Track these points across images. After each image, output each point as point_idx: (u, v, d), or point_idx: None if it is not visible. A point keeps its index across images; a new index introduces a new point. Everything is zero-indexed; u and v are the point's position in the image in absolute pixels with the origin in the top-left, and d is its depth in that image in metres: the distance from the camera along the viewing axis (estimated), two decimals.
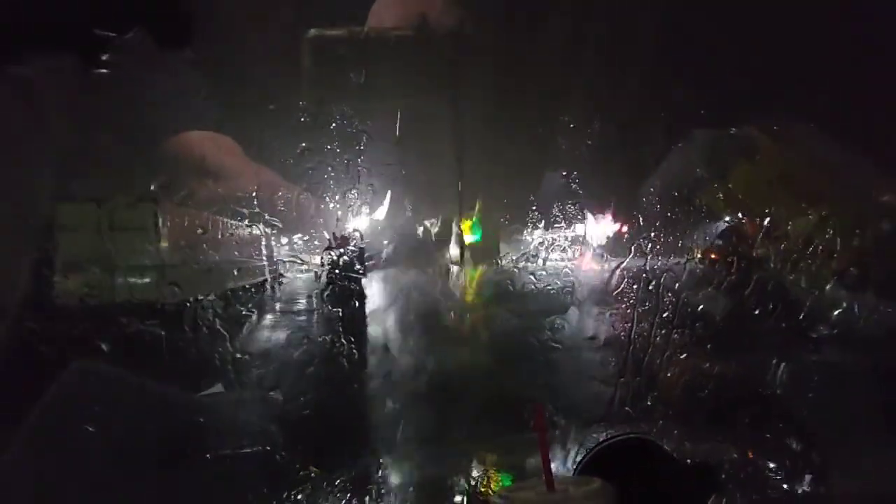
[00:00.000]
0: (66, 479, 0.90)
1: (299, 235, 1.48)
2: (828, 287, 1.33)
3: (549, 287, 1.47)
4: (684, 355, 1.32)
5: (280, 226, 1.29)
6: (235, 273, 1.53)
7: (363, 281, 1.43)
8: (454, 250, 1.64)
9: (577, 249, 1.55)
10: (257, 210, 1.24)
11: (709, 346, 1.34)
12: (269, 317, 1.47)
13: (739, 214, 1.48)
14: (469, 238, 1.66)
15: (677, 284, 1.34)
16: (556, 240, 1.54)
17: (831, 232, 1.33)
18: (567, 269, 1.52)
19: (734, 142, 1.51)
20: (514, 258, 1.59)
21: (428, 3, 1.36)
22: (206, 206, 1.24)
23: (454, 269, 1.63)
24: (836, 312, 1.35)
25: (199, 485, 0.99)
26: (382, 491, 1.18)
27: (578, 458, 0.78)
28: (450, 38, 1.37)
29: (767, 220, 1.41)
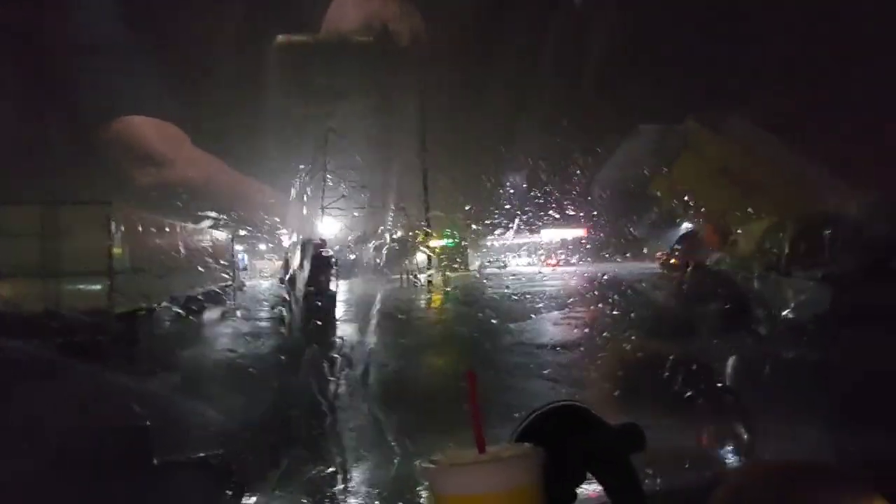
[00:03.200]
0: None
1: (265, 241, 1.44)
2: (764, 276, 1.41)
3: (516, 292, 1.47)
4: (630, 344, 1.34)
5: (234, 222, 1.26)
6: (194, 278, 1.47)
7: (329, 288, 1.40)
8: (421, 256, 1.63)
9: (544, 254, 1.56)
10: (208, 204, 1.20)
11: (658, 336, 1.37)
12: (229, 324, 1.42)
13: (686, 207, 1.54)
14: (436, 244, 1.66)
15: (637, 285, 1.37)
16: (522, 245, 1.55)
17: (774, 229, 1.41)
18: (533, 273, 1.53)
19: (677, 136, 1.59)
20: (482, 263, 1.59)
21: (384, 9, 1.36)
22: (148, 194, 1.18)
23: (422, 275, 1.62)
24: (774, 300, 1.42)
25: (156, 491, 0.93)
26: (340, 498, 1.13)
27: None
28: (408, 43, 1.39)
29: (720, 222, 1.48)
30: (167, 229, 1.44)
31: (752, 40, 1.35)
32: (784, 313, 1.42)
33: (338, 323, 1.30)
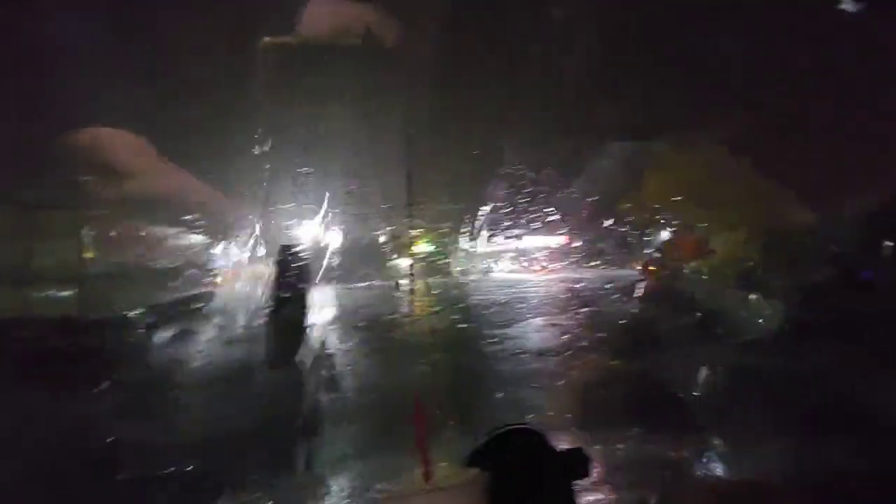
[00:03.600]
0: None
1: (239, 247, 1.41)
2: (731, 290, 1.42)
3: (496, 299, 1.45)
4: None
5: (204, 231, 1.23)
6: (166, 285, 1.44)
7: (306, 294, 1.38)
8: (403, 263, 1.60)
9: (526, 261, 1.54)
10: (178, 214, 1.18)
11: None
12: (201, 332, 1.39)
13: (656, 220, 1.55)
14: (420, 249, 1.64)
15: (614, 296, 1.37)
16: (503, 252, 1.53)
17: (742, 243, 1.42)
18: (517, 280, 1.51)
19: (646, 153, 1.60)
20: (463, 270, 1.57)
21: (360, 15, 1.35)
22: (111, 206, 1.16)
23: (403, 282, 1.60)
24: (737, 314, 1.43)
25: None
26: None
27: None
28: (386, 49, 1.37)
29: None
30: (142, 235, 1.42)
31: (717, 61, 1.37)
32: (753, 324, 1.42)
33: (311, 331, 1.28)
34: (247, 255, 1.36)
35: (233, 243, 1.31)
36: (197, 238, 1.31)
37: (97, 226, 1.24)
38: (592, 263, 1.52)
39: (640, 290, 1.47)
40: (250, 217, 1.29)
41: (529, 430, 0.43)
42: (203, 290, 1.36)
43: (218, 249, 1.31)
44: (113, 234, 1.27)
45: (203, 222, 1.25)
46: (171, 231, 1.29)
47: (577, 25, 1.39)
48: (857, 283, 1.46)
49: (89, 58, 1.04)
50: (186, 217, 1.22)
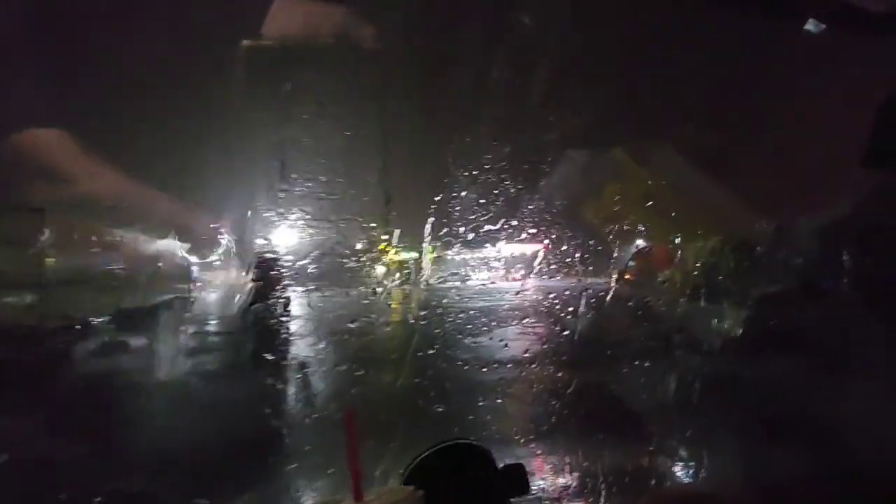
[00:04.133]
0: None
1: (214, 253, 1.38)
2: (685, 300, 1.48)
3: (472, 307, 1.46)
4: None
5: (170, 237, 1.19)
6: (138, 291, 1.39)
7: (279, 302, 1.35)
8: (380, 269, 1.59)
9: (503, 269, 1.55)
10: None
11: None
12: (172, 340, 1.35)
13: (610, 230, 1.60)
14: (395, 257, 1.62)
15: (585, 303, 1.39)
16: (482, 259, 1.54)
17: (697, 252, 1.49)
18: (493, 288, 1.52)
19: (606, 163, 1.65)
20: (439, 277, 1.56)
21: (325, 16, 1.33)
22: (47, 210, 1.11)
23: (379, 289, 1.58)
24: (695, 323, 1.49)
25: None
26: None
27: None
28: (353, 51, 1.36)
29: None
30: (107, 238, 1.36)
31: (676, 76, 1.43)
32: (716, 334, 1.48)
33: (282, 339, 1.25)
34: (218, 261, 1.32)
35: (202, 250, 1.27)
36: (164, 244, 1.27)
37: (54, 230, 1.18)
38: (563, 272, 1.55)
39: (609, 300, 1.50)
40: (220, 223, 1.26)
41: (471, 445, 0.43)
42: (170, 297, 1.32)
43: (187, 256, 1.27)
44: (68, 238, 1.22)
45: (169, 228, 1.21)
46: (134, 236, 1.25)
47: (544, 35, 1.42)
48: (815, 293, 1.53)
49: (24, 56, 0.99)
50: (149, 222, 1.17)
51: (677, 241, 1.60)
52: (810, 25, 1.54)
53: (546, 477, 1.27)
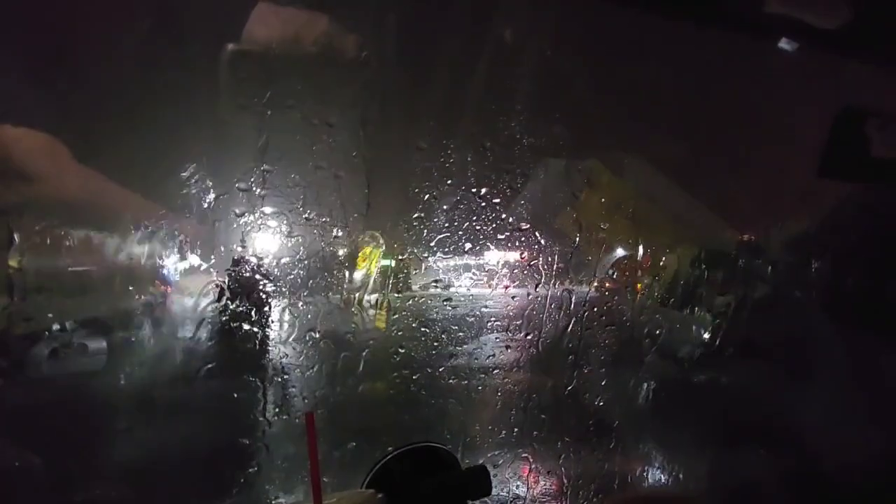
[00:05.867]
0: None
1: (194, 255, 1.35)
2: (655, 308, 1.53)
3: (457, 315, 1.46)
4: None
5: (144, 240, 1.17)
6: (111, 296, 1.36)
7: (257, 311, 1.33)
8: (358, 276, 1.58)
9: (486, 276, 1.56)
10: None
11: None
12: (140, 347, 1.31)
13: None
14: (378, 263, 1.62)
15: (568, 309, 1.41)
16: (466, 266, 1.54)
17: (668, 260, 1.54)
18: (477, 295, 1.52)
19: (580, 173, 1.69)
20: (424, 284, 1.56)
21: (305, 23, 1.33)
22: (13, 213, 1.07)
23: (360, 296, 1.57)
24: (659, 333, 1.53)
25: None
26: None
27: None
28: (331, 59, 1.36)
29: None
30: (79, 241, 1.32)
31: (649, 89, 1.48)
32: (688, 342, 1.52)
33: (262, 345, 1.24)
34: (195, 265, 1.30)
35: (180, 253, 1.25)
36: (139, 248, 1.24)
37: (36, 230, 1.15)
38: (540, 281, 1.57)
39: (588, 307, 1.52)
40: (197, 227, 1.24)
41: (433, 447, 0.43)
42: (145, 301, 1.29)
43: (163, 259, 1.24)
44: (56, 240, 1.18)
45: (144, 231, 1.18)
46: (103, 239, 1.21)
47: (524, 44, 1.45)
48: (788, 302, 1.58)
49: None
50: (121, 224, 1.15)
51: (652, 250, 1.64)
52: (784, 44, 1.60)
53: (513, 480, 1.28)
